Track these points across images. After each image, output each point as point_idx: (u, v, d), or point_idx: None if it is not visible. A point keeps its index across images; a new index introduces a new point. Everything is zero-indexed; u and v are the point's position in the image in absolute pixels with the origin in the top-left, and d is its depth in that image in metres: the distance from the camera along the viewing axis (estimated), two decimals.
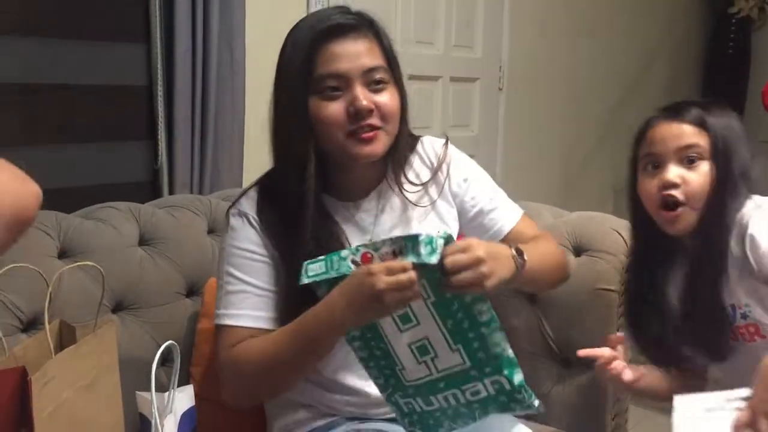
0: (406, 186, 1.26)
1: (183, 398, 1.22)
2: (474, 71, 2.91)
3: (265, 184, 1.25)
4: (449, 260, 0.98)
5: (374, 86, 1.16)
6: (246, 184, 1.37)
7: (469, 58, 2.88)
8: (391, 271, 0.97)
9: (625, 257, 1.43)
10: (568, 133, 3.37)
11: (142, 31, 1.74)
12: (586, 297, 1.49)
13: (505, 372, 1.06)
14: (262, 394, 1.24)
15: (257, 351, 1.15)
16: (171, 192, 1.78)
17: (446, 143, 1.34)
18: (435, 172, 1.30)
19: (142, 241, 1.47)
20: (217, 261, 1.29)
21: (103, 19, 1.69)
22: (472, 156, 1.40)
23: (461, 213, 1.33)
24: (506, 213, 1.34)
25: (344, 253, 1.05)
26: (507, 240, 1.30)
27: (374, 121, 1.15)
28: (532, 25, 3.09)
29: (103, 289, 1.24)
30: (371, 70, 1.15)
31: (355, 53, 1.14)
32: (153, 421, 1.11)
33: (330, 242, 1.16)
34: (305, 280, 1.06)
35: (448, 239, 1.01)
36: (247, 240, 1.21)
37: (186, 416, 1.22)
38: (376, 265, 0.99)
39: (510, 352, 1.07)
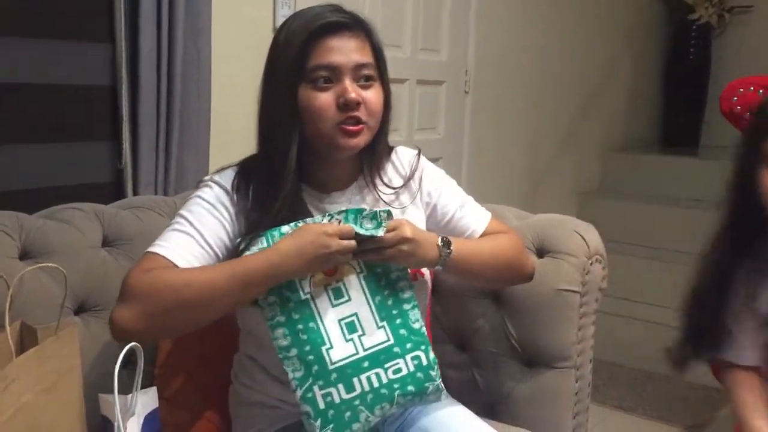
0: (381, 187, 1.31)
1: (146, 400, 1.21)
2: (440, 74, 2.93)
3: (244, 166, 1.28)
4: (379, 237, 1.14)
5: (362, 82, 1.21)
6: None
7: (435, 61, 2.90)
8: (343, 236, 1.12)
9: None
10: (533, 136, 3.42)
11: (106, 29, 1.72)
12: (548, 298, 1.51)
13: (423, 348, 1.20)
14: (170, 323, 1.15)
15: (187, 278, 1.12)
16: (135, 193, 1.76)
17: (419, 154, 1.39)
18: (408, 180, 1.34)
19: (106, 243, 1.46)
20: None
21: (67, 17, 1.66)
22: (438, 159, 1.43)
23: (432, 220, 1.37)
24: (477, 217, 1.38)
25: (284, 229, 1.16)
26: None
27: (361, 114, 1.20)
28: (498, 29, 3.12)
29: (65, 291, 1.23)
30: (361, 66, 1.21)
31: (348, 48, 1.20)
32: (116, 424, 1.10)
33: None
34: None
35: (388, 214, 1.16)
36: (217, 199, 1.23)
37: (149, 418, 1.21)
38: (331, 227, 1.12)
39: (425, 330, 1.21)
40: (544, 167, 3.52)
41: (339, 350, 1.15)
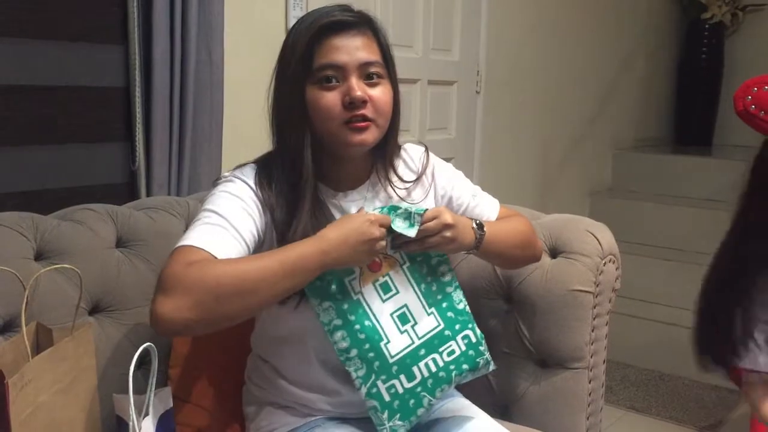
0: (393, 183, 1.32)
1: (161, 400, 1.22)
2: (452, 74, 2.93)
3: (263, 163, 1.26)
4: (421, 228, 1.17)
5: (369, 80, 1.21)
6: None
7: (447, 61, 2.90)
8: (382, 225, 1.15)
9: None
10: (545, 136, 3.41)
11: (120, 32, 1.73)
12: (561, 298, 1.51)
13: (470, 326, 1.26)
14: (220, 314, 1.06)
15: (237, 267, 1.07)
16: (148, 194, 1.77)
17: (426, 150, 1.40)
18: (420, 175, 1.36)
19: (120, 243, 1.47)
20: None
21: (81, 19, 1.67)
22: (450, 158, 1.44)
23: None
24: (489, 205, 1.43)
25: None
26: None
27: (367, 112, 1.20)
28: (510, 29, 3.11)
29: (80, 292, 1.23)
30: (367, 63, 1.21)
31: (353, 47, 1.20)
32: (131, 424, 1.11)
33: (318, 227, 1.17)
34: None
35: (422, 215, 1.17)
36: (243, 192, 1.20)
37: (164, 418, 1.22)
38: (373, 215, 1.15)
39: (468, 308, 1.27)
40: (555, 167, 3.51)
41: (396, 343, 1.19)
